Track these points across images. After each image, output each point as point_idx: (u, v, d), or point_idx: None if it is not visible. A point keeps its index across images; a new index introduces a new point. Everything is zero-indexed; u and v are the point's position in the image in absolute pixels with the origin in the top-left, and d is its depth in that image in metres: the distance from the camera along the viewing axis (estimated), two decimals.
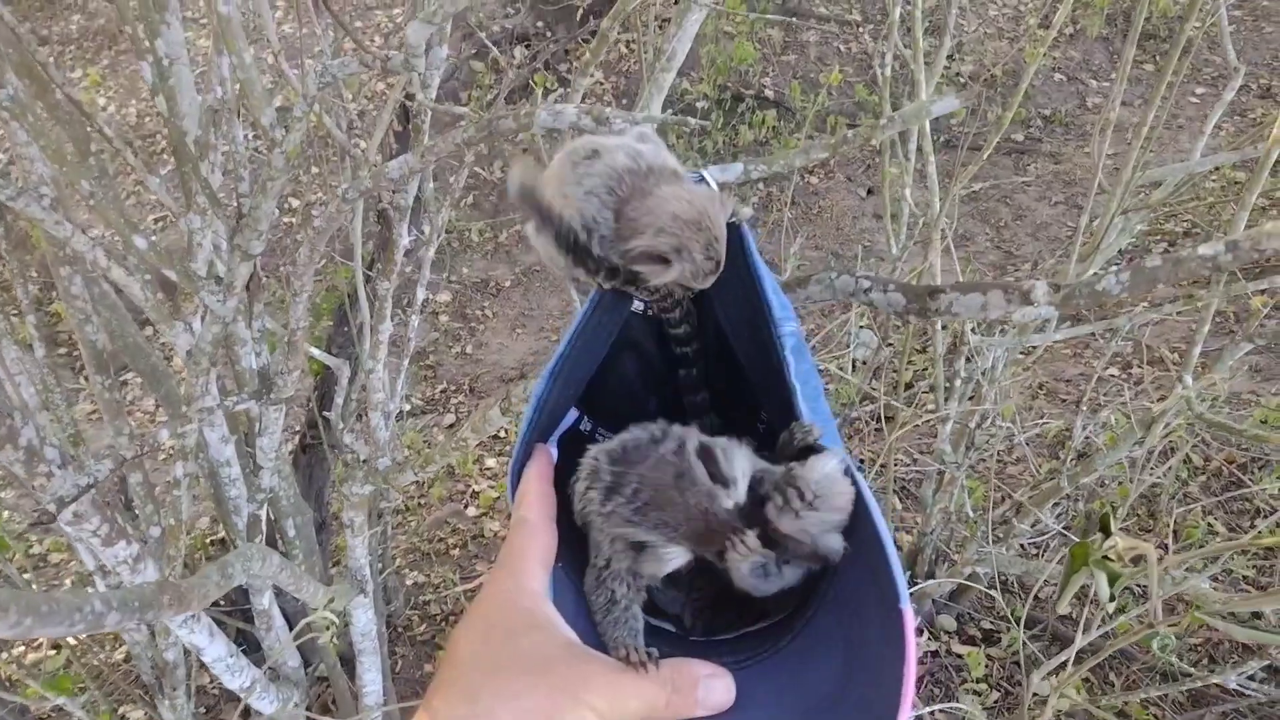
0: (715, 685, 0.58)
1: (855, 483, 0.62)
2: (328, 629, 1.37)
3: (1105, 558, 0.83)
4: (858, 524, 0.62)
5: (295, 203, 5.32)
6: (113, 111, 6.04)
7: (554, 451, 0.73)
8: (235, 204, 1.61)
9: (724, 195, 0.78)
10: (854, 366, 3.04)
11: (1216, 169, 4.40)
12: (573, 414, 0.78)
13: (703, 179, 0.81)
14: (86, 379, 1.96)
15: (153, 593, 0.94)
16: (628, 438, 0.69)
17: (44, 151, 1.58)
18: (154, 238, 1.60)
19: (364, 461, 1.68)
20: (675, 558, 0.64)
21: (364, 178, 1.27)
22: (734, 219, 0.76)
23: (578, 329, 0.73)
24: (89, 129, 1.77)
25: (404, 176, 1.36)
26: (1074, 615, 2.60)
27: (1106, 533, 0.84)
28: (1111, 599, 0.85)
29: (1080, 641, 1.15)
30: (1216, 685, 2.29)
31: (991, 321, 2.62)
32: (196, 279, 1.57)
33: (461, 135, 1.22)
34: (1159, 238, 4.30)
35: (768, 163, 1.07)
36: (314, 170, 5.08)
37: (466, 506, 3.70)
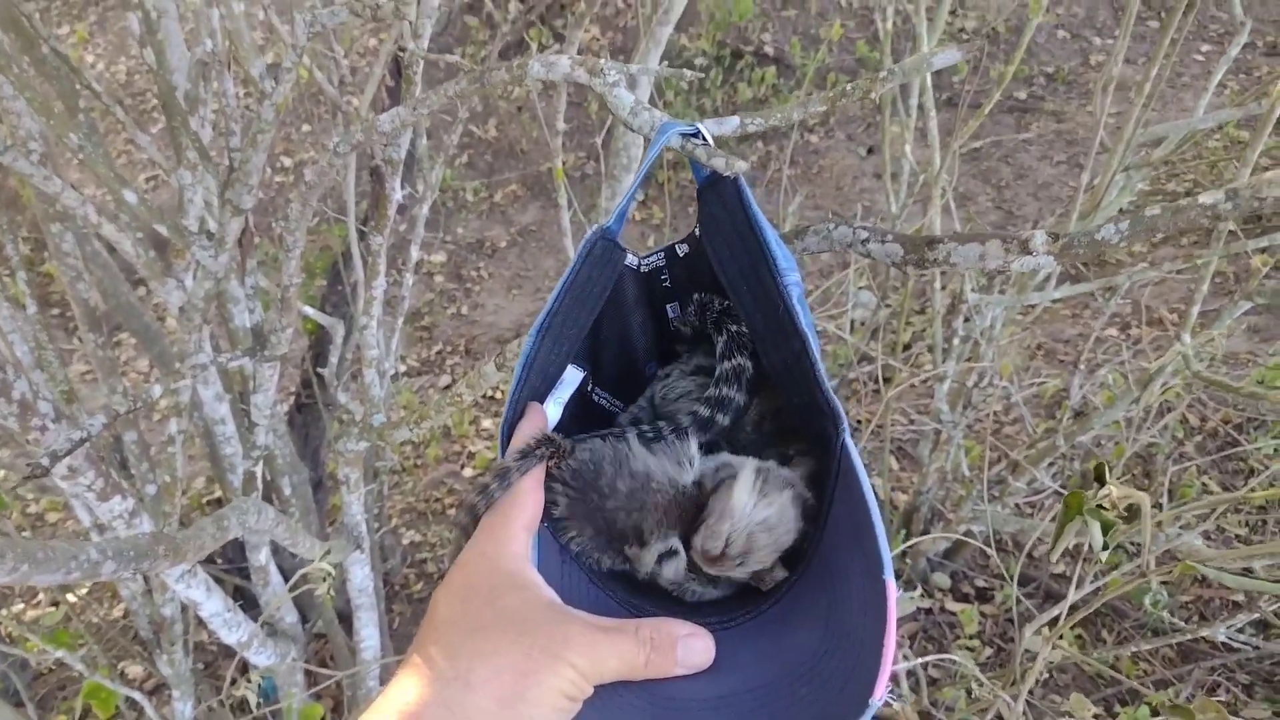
0: (694, 645, 0.59)
1: (845, 451, 0.61)
2: (324, 580, 1.37)
3: (1100, 506, 0.83)
4: (846, 492, 0.62)
5: (288, 161, 5.26)
6: (101, 69, 5.95)
7: (553, 412, 0.72)
8: (226, 159, 1.59)
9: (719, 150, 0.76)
10: (852, 327, 3.03)
11: (1220, 128, 4.36)
12: (578, 374, 0.76)
13: (699, 133, 0.79)
14: (80, 339, 1.95)
15: (148, 543, 0.94)
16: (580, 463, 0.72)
17: (30, 104, 1.56)
18: (146, 196, 1.58)
19: (358, 420, 1.68)
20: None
21: (355, 131, 1.25)
22: (730, 172, 0.75)
23: (566, 283, 0.71)
24: (77, 85, 1.74)
25: (396, 129, 1.34)
26: (1068, 573, 2.62)
27: (1101, 482, 0.84)
28: (1105, 548, 0.85)
29: (1072, 596, 1.16)
30: (1206, 641, 2.31)
31: (991, 276, 2.61)
32: (188, 234, 1.56)
33: (454, 87, 1.19)
34: (1160, 197, 4.27)
35: (765, 116, 1.04)
36: (305, 128, 5.02)
37: (463, 467, 3.72)
